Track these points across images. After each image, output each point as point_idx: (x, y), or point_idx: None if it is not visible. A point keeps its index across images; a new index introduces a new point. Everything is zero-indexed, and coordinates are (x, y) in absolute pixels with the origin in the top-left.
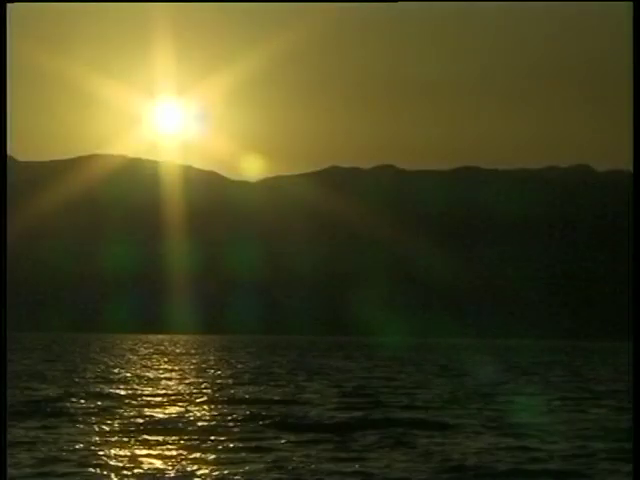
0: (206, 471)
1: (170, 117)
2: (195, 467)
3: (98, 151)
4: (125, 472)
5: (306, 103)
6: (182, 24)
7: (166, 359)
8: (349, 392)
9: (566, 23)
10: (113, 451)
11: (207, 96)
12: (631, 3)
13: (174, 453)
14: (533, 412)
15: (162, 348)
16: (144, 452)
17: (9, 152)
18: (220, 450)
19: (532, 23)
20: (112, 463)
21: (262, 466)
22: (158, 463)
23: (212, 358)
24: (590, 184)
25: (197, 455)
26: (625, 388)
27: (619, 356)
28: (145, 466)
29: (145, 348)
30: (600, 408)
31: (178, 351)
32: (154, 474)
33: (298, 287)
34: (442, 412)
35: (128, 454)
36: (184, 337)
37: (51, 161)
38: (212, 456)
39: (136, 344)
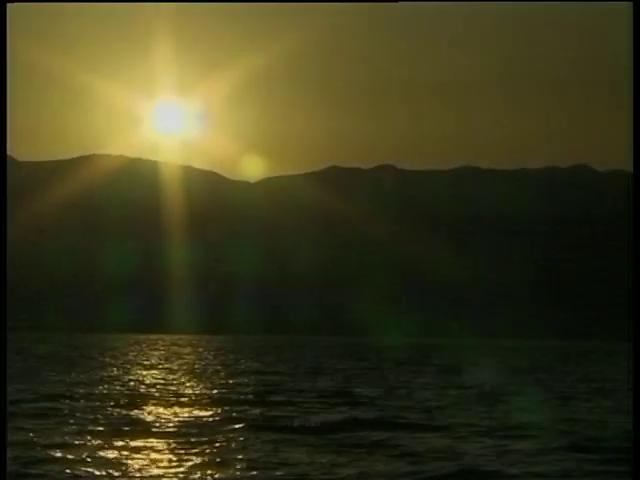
0: (180, 473)
1: (170, 117)
2: (166, 470)
3: (98, 151)
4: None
5: (306, 103)
6: (182, 24)
7: (161, 359)
8: (344, 392)
9: (566, 23)
10: (84, 454)
11: (207, 96)
12: (631, 3)
13: (142, 456)
14: (530, 413)
15: (160, 348)
16: (117, 455)
17: (9, 152)
18: (201, 453)
19: (532, 23)
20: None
21: (243, 466)
22: (133, 465)
23: (208, 358)
24: (590, 184)
25: (169, 456)
26: (624, 387)
27: (618, 356)
28: (115, 469)
29: (141, 348)
30: (597, 408)
31: (175, 351)
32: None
33: (298, 287)
34: (438, 413)
35: (102, 456)
36: (184, 337)
37: (51, 161)
38: (186, 458)
39: (134, 344)
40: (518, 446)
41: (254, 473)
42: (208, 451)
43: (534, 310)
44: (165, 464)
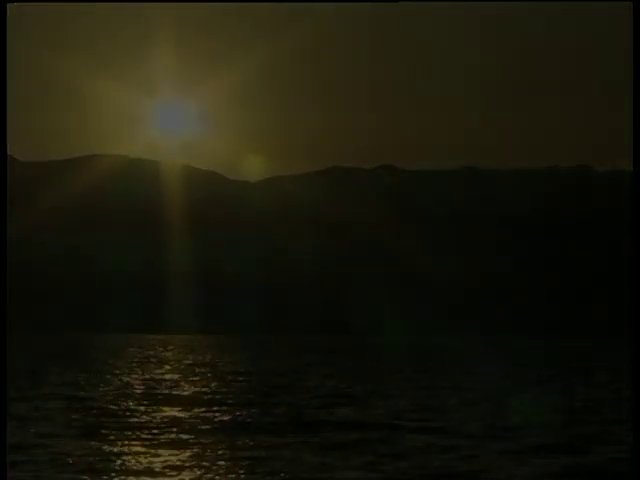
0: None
1: (170, 117)
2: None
3: (98, 151)
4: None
5: (306, 103)
6: (182, 24)
7: (158, 360)
8: (339, 393)
9: (566, 23)
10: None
11: (207, 96)
12: (631, 3)
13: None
14: (527, 413)
15: (157, 348)
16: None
17: (9, 152)
18: (187, 453)
19: (532, 23)
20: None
21: (225, 466)
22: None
23: (206, 358)
24: (590, 184)
25: (155, 458)
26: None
27: (617, 355)
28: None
29: (140, 349)
30: (598, 408)
31: (174, 351)
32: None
33: (298, 287)
34: (436, 414)
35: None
36: (184, 337)
37: (51, 161)
38: (171, 459)
39: (133, 344)
40: (513, 446)
41: (242, 474)
42: (196, 452)
43: (533, 309)
44: (149, 465)
